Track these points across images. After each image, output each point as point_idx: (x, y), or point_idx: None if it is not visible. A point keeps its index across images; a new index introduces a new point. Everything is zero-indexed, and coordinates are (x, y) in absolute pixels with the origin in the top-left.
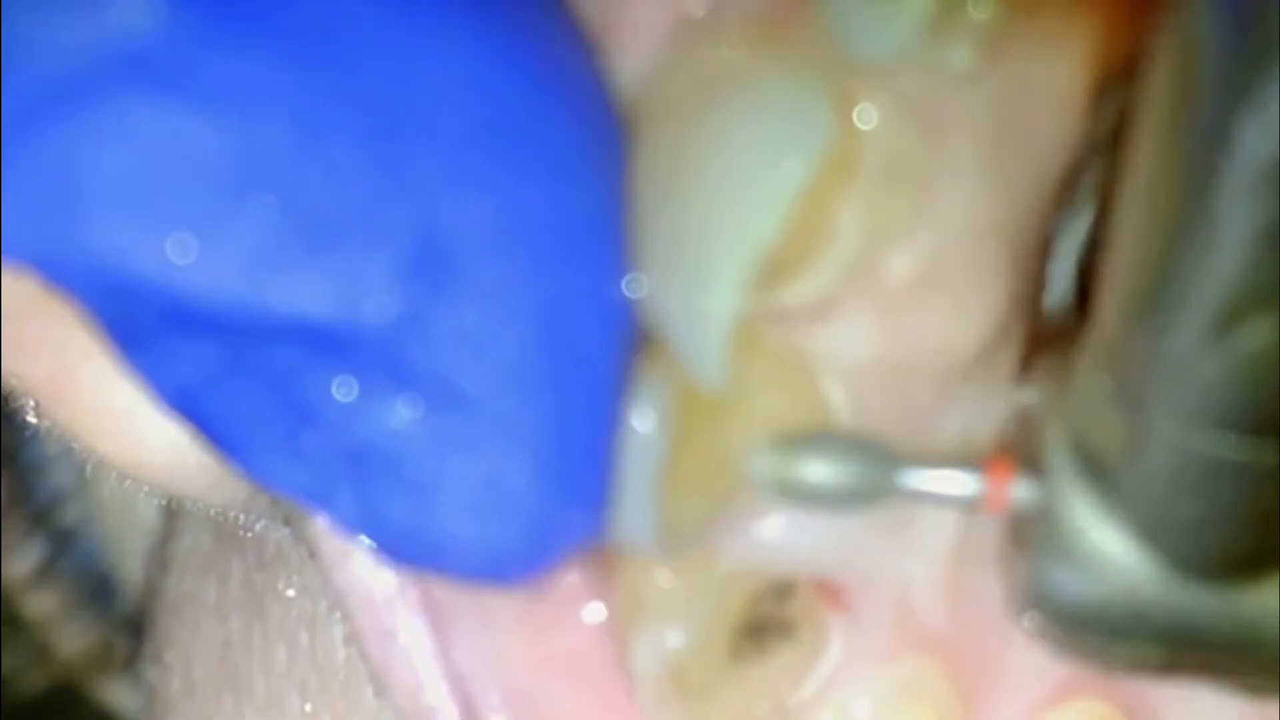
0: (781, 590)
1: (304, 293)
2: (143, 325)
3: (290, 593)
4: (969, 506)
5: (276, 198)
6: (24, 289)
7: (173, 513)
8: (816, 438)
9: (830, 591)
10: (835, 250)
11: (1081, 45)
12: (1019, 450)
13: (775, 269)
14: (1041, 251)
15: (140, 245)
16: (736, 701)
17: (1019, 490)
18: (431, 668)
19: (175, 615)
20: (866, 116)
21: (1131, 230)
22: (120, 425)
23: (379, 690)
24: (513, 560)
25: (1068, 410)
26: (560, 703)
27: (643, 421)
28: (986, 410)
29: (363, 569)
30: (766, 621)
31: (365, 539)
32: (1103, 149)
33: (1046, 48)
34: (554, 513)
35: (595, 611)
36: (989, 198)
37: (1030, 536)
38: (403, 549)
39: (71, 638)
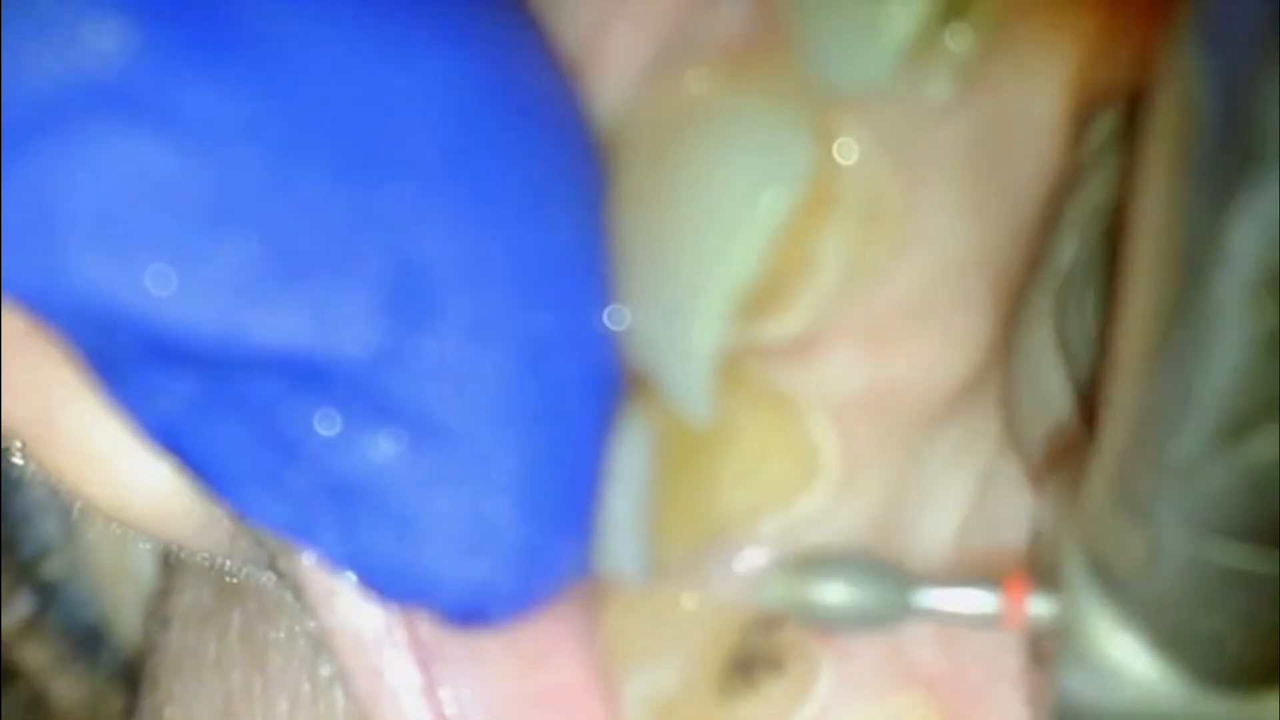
0: (770, 623)
1: (283, 325)
2: (125, 358)
3: (290, 643)
4: (987, 623)
5: (254, 230)
6: (12, 330)
7: (170, 568)
8: (832, 560)
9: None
10: (817, 284)
11: (1059, 75)
12: (1034, 565)
13: (758, 303)
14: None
15: (119, 277)
16: None
17: (1036, 606)
18: (418, 706)
19: (176, 671)
20: (847, 151)
21: (1133, 338)
22: (105, 469)
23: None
24: (498, 595)
25: (1081, 524)
26: None
27: (628, 455)
28: (972, 443)
29: (349, 608)
30: (755, 655)
31: (350, 574)
32: (1083, 178)
33: (1024, 78)
34: (538, 547)
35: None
36: (970, 228)
37: (1049, 650)
38: (388, 584)
39: (65, 688)
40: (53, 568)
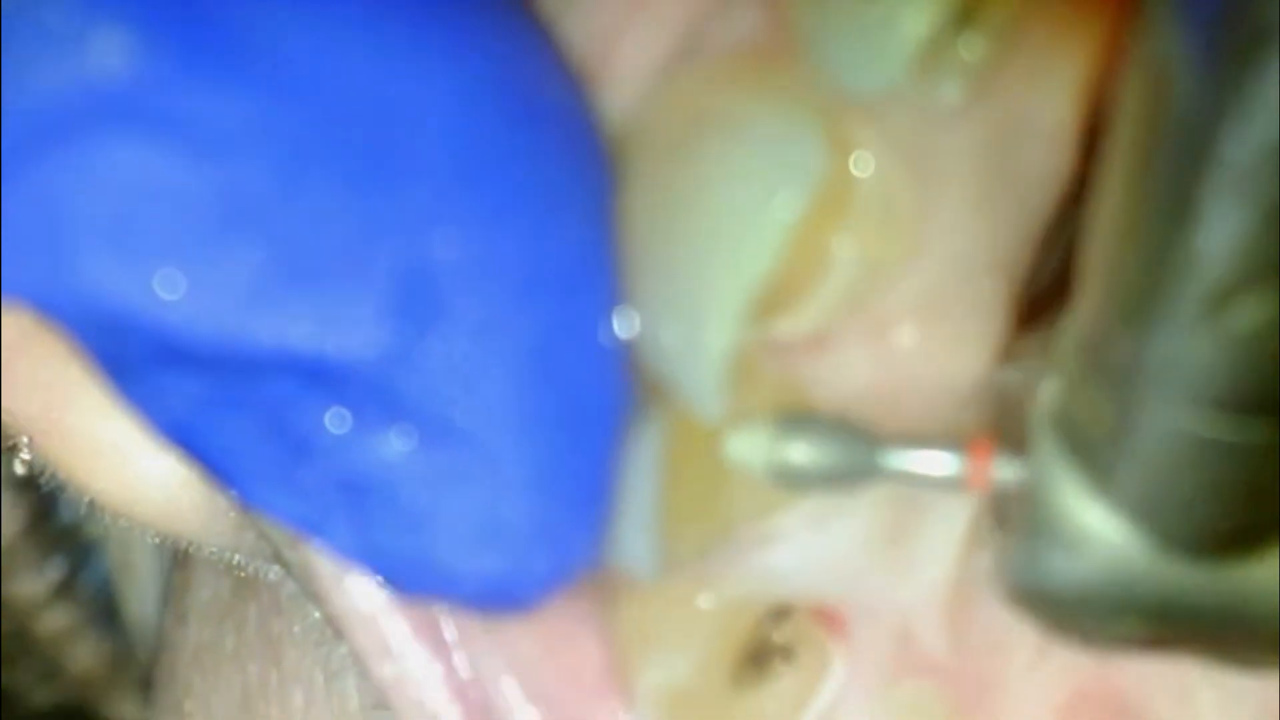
0: (781, 614)
1: (291, 329)
2: (135, 360)
3: (304, 635)
4: (952, 486)
5: (262, 234)
6: (19, 326)
7: (183, 564)
8: (800, 420)
9: (830, 616)
10: (831, 282)
11: (1070, 79)
12: (1002, 430)
13: (771, 301)
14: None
15: (128, 281)
16: None
17: (1003, 470)
18: (437, 684)
19: (195, 665)
20: (863, 164)
21: (1116, 214)
22: (113, 464)
23: (378, 705)
24: (509, 590)
25: (1052, 389)
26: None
27: (640, 452)
28: None
29: (360, 591)
30: (767, 647)
31: (362, 568)
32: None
33: (1035, 82)
34: (550, 543)
35: None
36: (982, 231)
37: (1015, 516)
38: (399, 578)
39: (82, 655)
40: (89, 532)
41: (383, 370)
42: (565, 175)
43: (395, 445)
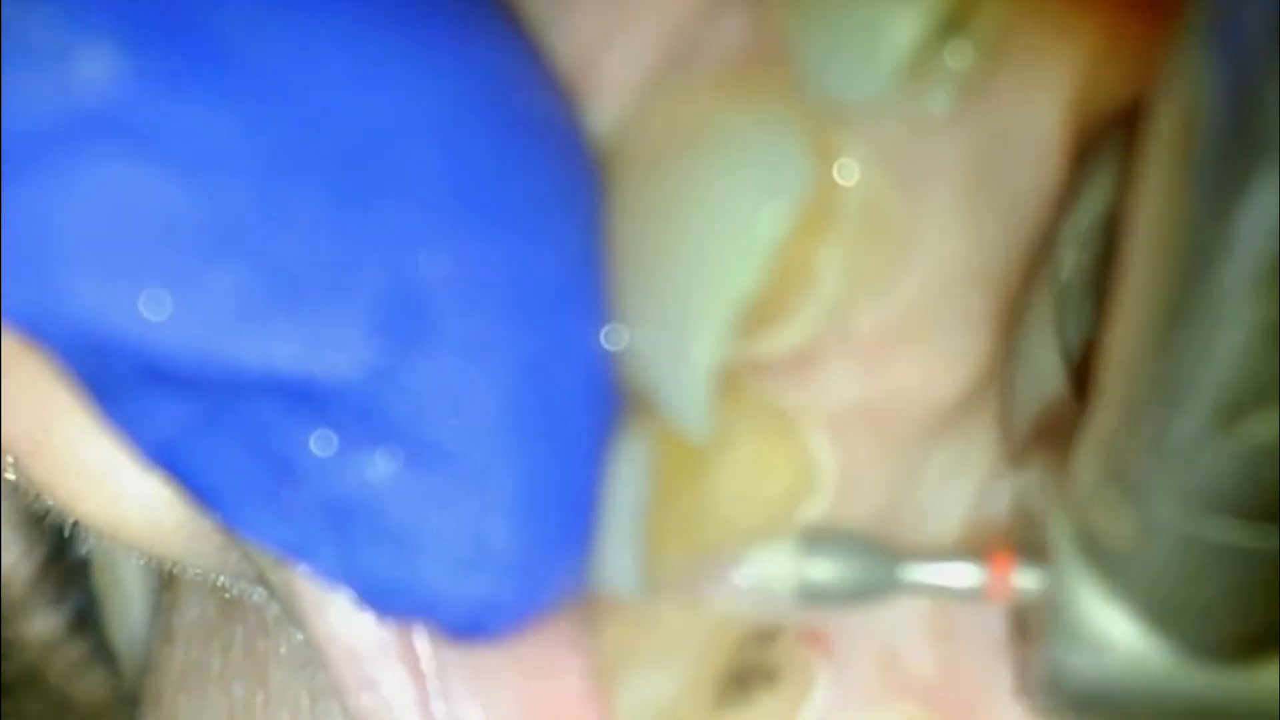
0: (765, 635)
1: (278, 349)
2: (119, 381)
3: (290, 657)
4: (973, 597)
5: (248, 253)
6: (3, 346)
7: (169, 584)
8: (821, 538)
9: (815, 636)
10: (816, 298)
11: (1060, 88)
12: (1020, 538)
13: (756, 318)
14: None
15: (113, 302)
16: None
17: (1022, 579)
18: (413, 718)
19: (181, 686)
20: (847, 172)
21: (1132, 322)
22: (97, 485)
23: None
24: (496, 612)
25: (1069, 499)
26: None
27: (625, 470)
28: (970, 457)
29: (342, 619)
30: (751, 667)
31: (347, 592)
32: (1083, 191)
33: (1025, 91)
34: (536, 564)
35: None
36: (969, 244)
37: (1036, 623)
38: (385, 602)
39: (92, 688)
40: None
41: (369, 390)
42: (554, 188)
43: (381, 467)
